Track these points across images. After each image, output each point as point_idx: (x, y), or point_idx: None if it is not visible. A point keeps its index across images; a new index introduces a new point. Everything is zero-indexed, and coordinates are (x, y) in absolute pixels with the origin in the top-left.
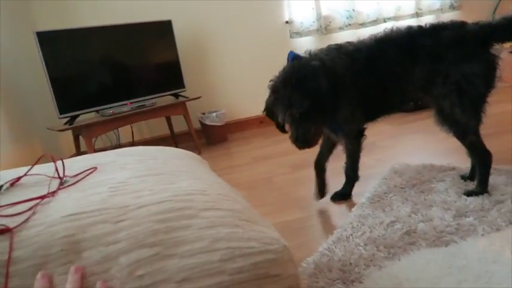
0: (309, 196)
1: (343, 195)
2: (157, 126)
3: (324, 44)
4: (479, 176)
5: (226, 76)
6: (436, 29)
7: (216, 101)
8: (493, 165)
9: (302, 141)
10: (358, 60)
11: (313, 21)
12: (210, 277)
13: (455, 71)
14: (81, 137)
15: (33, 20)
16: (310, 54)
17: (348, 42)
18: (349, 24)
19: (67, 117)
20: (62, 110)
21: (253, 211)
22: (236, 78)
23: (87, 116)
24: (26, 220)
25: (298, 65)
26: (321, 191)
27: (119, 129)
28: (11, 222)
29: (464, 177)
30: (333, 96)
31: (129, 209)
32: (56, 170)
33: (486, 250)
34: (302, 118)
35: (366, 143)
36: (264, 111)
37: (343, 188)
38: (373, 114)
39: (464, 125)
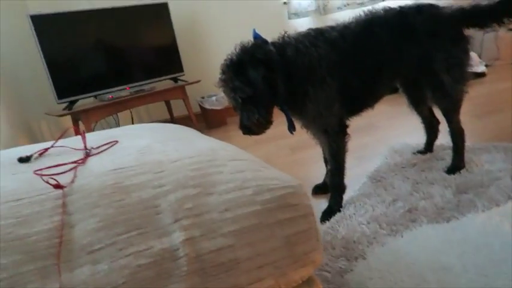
0: (309, 178)
1: (332, 212)
2: (157, 111)
3: (322, 25)
4: (458, 152)
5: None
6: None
7: None
8: (492, 143)
9: (244, 127)
10: (341, 48)
11: (311, 1)
12: (246, 207)
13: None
14: (80, 123)
15: (24, 3)
16: (283, 38)
17: (331, 27)
18: (348, 4)
19: (65, 102)
20: (60, 95)
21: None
22: None
23: (86, 101)
24: (73, 178)
25: (247, 48)
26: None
27: (118, 114)
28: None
29: (420, 152)
30: (270, 88)
31: (164, 163)
32: (83, 139)
33: (486, 224)
34: (245, 103)
35: (364, 123)
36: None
37: (330, 202)
38: (358, 107)
39: (459, 102)
